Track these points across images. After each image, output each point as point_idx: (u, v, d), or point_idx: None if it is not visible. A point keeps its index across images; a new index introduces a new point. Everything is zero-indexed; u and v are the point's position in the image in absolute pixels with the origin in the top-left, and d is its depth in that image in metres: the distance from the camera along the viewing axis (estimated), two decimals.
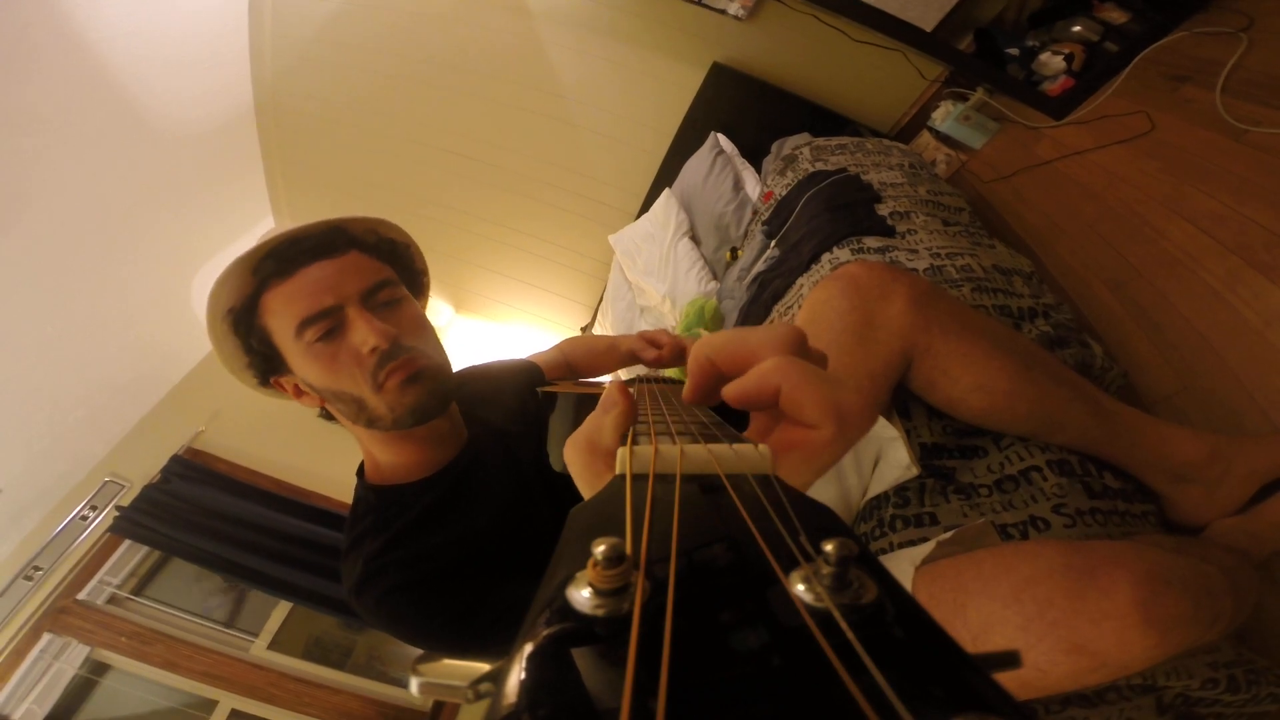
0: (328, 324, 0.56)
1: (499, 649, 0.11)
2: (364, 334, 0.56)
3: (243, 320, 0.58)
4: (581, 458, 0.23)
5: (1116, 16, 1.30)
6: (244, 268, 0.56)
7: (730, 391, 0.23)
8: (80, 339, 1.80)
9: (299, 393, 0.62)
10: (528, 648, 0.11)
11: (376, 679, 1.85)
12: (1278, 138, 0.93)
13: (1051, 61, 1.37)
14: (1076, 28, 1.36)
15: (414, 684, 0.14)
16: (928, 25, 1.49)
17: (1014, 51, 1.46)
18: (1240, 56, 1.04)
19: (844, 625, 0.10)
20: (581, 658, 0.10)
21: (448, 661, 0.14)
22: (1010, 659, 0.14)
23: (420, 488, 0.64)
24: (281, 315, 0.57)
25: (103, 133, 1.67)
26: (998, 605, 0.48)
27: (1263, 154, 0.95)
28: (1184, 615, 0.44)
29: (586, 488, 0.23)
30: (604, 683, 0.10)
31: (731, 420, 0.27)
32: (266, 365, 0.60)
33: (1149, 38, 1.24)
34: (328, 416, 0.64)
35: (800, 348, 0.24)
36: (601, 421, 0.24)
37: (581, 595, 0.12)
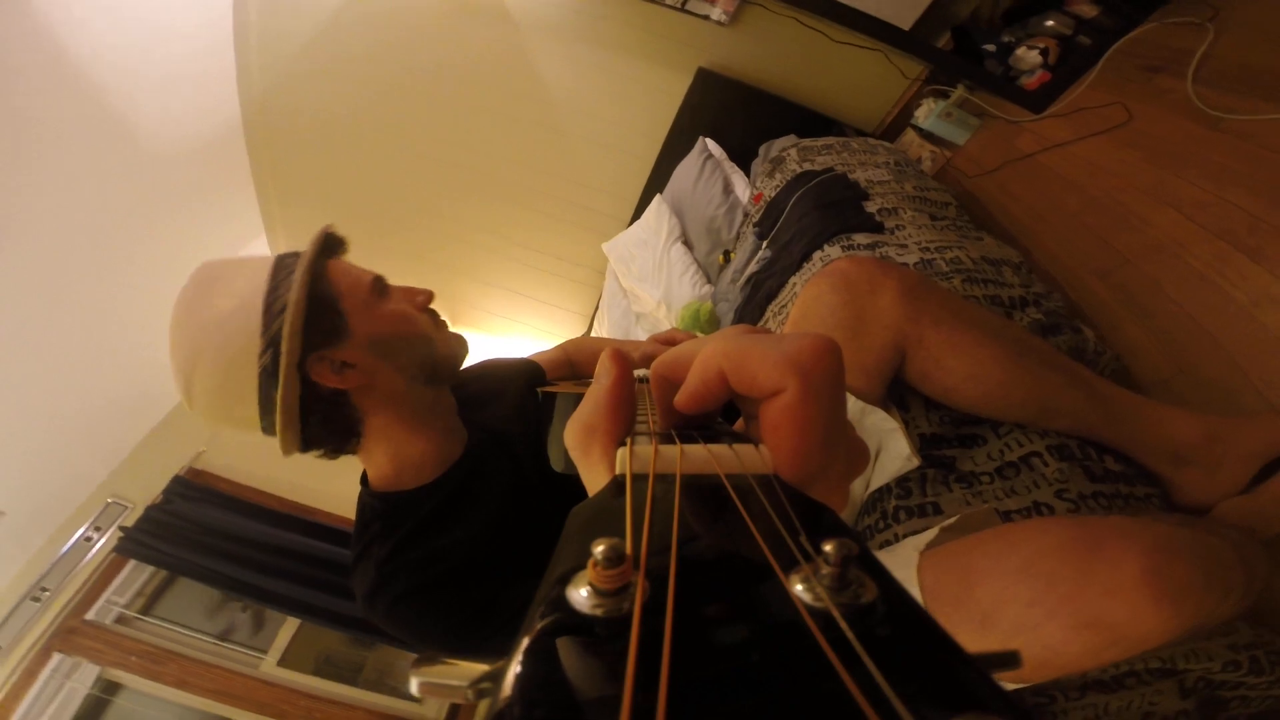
0: (382, 283, 0.65)
1: (508, 650, 0.11)
2: (412, 290, 0.68)
3: (316, 288, 0.59)
4: (579, 438, 0.22)
5: (1087, 10, 1.33)
6: (316, 245, 0.63)
7: (680, 399, 0.21)
8: (78, 360, 1.80)
9: (341, 371, 0.59)
10: (525, 646, 0.11)
11: (388, 694, 1.84)
12: (1251, 124, 0.95)
13: (1027, 56, 1.40)
14: (1050, 22, 1.39)
15: (414, 684, 0.14)
16: (905, 24, 1.52)
17: (991, 48, 1.49)
18: (1208, 46, 1.07)
19: (844, 625, 0.10)
20: (580, 656, 0.10)
21: (447, 661, 0.14)
22: (1010, 659, 0.14)
23: (425, 492, 0.65)
24: (352, 276, 0.63)
25: (93, 151, 1.68)
26: (1006, 582, 0.47)
27: (1239, 140, 0.97)
28: (1196, 585, 0.43)
29: (583, 469, 0.22)
30: (603, 682, 0.10)
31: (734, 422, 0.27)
32: (317, 338, 0.58)
33: (1120, 30, 1.27)
34: (333, 455, 0.66)
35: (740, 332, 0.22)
36: (597, 397, 0.22)
37: (581, 595, 0.12)
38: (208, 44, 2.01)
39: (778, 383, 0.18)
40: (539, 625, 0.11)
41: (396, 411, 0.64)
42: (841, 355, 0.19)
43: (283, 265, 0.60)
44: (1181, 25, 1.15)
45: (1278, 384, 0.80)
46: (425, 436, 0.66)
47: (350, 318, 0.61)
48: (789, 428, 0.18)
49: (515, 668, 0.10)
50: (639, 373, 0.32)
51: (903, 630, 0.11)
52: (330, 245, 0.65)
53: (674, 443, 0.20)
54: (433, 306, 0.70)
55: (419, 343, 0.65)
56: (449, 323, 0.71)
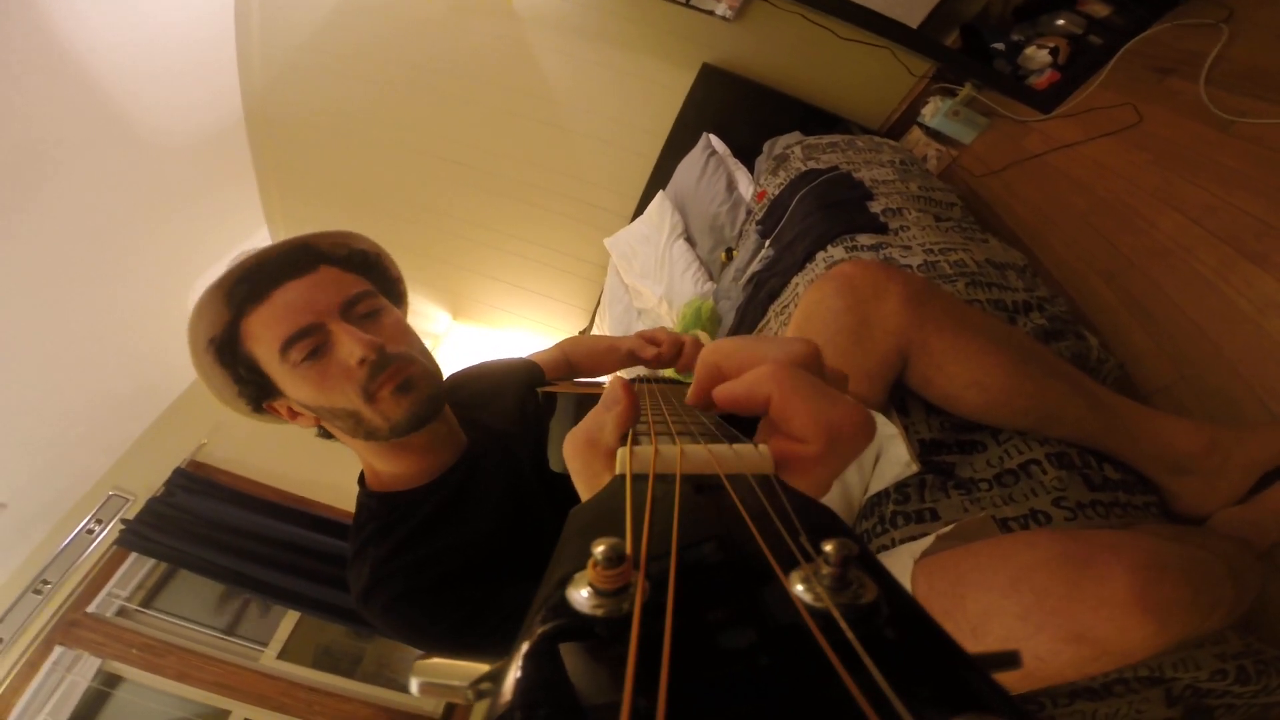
0: (311, 342, 0.56)
1: (506, 651, 0.11)
2: (350, 347, 0.56)
3: (226, 349, 0.58)
4: (580, 455, 0.23)
5: (1099, 9, 1.31)
6: (217, 295, 0.56)
7: (720, 392, 0.22)
8: (79, 354, 1.80)
9: (293, 415, 0.62)
10: (525, 647, 0.11)
11: (387, 686, 1.86)
12: (1263, 128, 0.94)
13: (1037, 55, 1.38)
14: (1060, 21, 1.37)
15: (414, 684, 0.14)
16: (913, 21, 1.50)
17: (1000, 46, 1.47)
18: (1222, 48, 1.05)
19: (844, 625, 0.10)
20: (580, 657, 0.10)
21: (448, 661, 0.14)
22: (1010, 659, 0.14)
23: (423, 493, 0.65)
24: (263, 339, 0.57)
25: (93, 146, 1.67)
26: (996, 595, 0.48)
27: (1249, 144, 0.95)
28: (1183, 602, 0.44)
29: (584, 486, 0.23)
30: (603, 682, 0.10)
31: (740, 426, 0.27)
32: (257, 391, 0.60)
33: (1132, 30, 1.25)
34: (325, 435, 0.65)
35: (811, 362, 0.23)
36: (603, 419, 0.23)
37: (581, 595, 0.12)
38: (209, 36, 2.00)
39: (809, 435, 0.20)
40: (539, 627, 0.11)
41: (362, 446, 0.64)
42: (873, 435, 0.21)
43: (194, 331, 0.56)
44: (1195, 26, 1.13)
45: (1279, 393, 0.80)
46: (409, 455, 0.65)
47: (275, 379, 0.59)
48: (796, 473, 0.20)
49: (516, 669, 0.10)
50: (637, 373, 0.32)
51: (903, 630, 0.11)
52: (246, 298, 0.57)
53: (674, 442, 0.20)
54: (397, 348, 0.60)
55: (343, 413, 0.59)
56: (418, 360, 0.61)
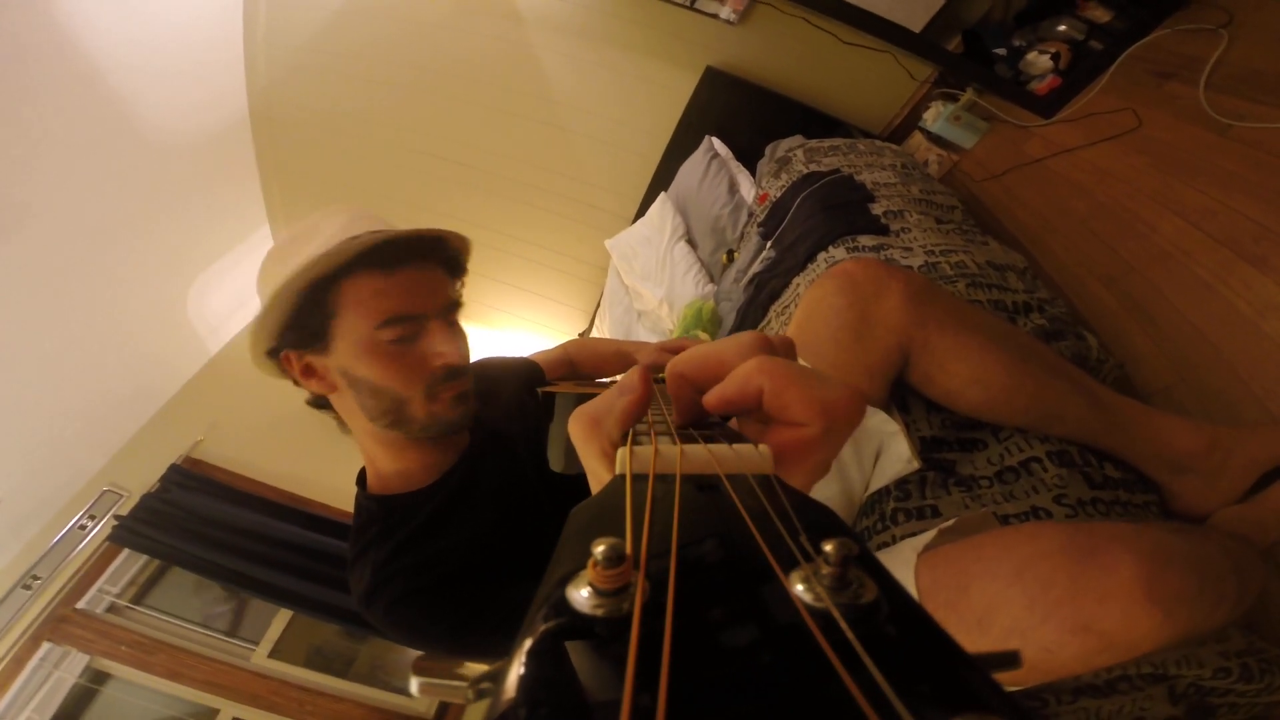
0: (409, 329, 0.59)
1: (506, 651, 0.11)
2: (442, 348, 0.60)
3: (317, 291, 0.57)
4: (582, 431, 0.23)
5: (1100, 15, 1.33)
6: (353, 247, 0.56)
7: (712, 398, 0.22)
8: (78, 350, 1.80)
9: (306, 374, 0.61)
10: (526, 646, 0.11)
11: (380, 687, 1.84)
12: (1262, 132, 0.95)
13: (1038, 60, 1.39)
14: (1062, 26, 1.38)
15: (414, 684, 0.14)
16: (916, 26, 1.51)
17: (1001, 51, 1.48)
18: (1222, 52, 1.06)
19: (844, 625, 0.10)
20: (580, 657, 0.10)
21: (447, 662, 0.14)
22: (1010, 659, 0.14)
23: (423, 495, 0.65)
24: (365, 303, 0.57)
25: (96, 144, 1.68)
26: (1000, 585, 0.47)
27: (1248, 148, 0.96)
28: (1188, 593, 0.43)
29: (583, 456, 0.23)
30: (603, 682, 0.10)
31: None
32: (299, 339, 0.59)
33: (1133, 35, 1.26)
34: (320, 406, 0.64)
35: (767, 346, 0.24)
36: (613, 404, 0.23)
37: (581, 595, 0.12)
38: (215, 36, 2.01)
39: (806, 417, 0.20)
40: (540, 626, 0.11)
41: (369, 431, 0.64)
42: (865, 410, 0.21)
43: (311, 266, 0.55)
44: (1194, 31, 1.14)
45: (1278, 394, 0.80)
46: (416, 450, 0.65)
47: (336, 339, 0.58)
48: (796, 458, 0.21)
49: (517, 669, 0.10)
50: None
51: (903, 630, 0.11)
52: (376, 262, 0.58)
53: (674, 442, 0.20)
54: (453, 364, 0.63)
55: (388, 397, 0.60)
56: (472, 376, 0.64)
